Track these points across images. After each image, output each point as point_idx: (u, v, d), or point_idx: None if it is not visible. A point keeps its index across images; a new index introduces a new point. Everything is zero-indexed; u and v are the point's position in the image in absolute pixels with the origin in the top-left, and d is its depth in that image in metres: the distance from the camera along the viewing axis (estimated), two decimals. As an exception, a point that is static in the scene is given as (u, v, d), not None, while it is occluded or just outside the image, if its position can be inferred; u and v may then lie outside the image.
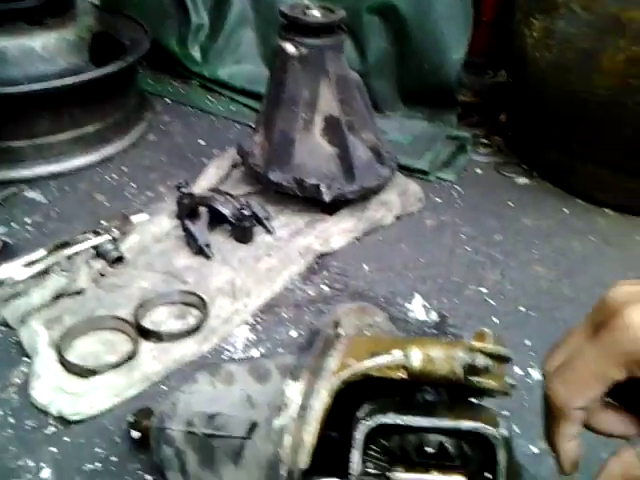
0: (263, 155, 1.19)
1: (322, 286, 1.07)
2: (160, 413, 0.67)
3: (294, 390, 0.46)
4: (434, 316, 1.02)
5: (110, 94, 1.38)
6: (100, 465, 0.74)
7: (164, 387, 0.85)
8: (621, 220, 1.31)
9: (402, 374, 0.50)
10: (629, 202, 1.30)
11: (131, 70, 1.43)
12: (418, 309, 1.03)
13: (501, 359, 0.53)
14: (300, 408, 0.46)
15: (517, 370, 0.92)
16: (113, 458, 0.75)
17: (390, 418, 0.51)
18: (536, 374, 0.91)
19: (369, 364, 0.50)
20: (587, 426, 0.48)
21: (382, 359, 0.50)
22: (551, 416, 0.47)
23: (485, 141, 1.54)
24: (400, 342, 0.51)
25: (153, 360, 0.87)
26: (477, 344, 0.50)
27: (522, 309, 1.05)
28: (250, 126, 1.39)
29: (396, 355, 0.50)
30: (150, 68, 1.68)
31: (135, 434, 0.72)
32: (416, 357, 0.49)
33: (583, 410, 0.45)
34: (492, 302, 1.06)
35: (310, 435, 0.46)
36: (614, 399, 0.47)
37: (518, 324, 1.02)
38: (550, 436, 0.48)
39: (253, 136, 1.25)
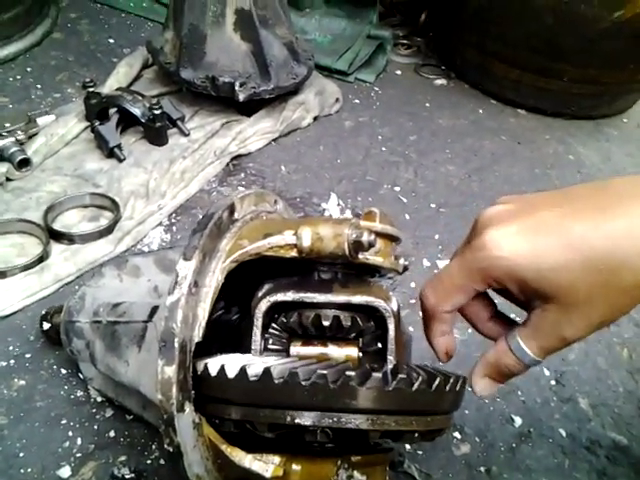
0: (174, 52, 1.15)
1: (239, 188, 1.08)
2: (69, 307, 0.68)
3: (186, 269, 0.47)
4: (349, 214, 1.05)
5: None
6: (14, 362, 0.75)
7: (77, 287, 0.85)
8: (532, 120, 1.35)
9: (294, 253, 0.52)
10: (540, 102, 1.34)
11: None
12: (333, 208, 1.06)
13: (390, 238, 0.56)
14: (192, 285, 0.47)
15: (426, 262, 0.97)
16: (27, 355, 0.76)
17: (288, 295, 0.53)
18: (443, 265, 0.96)
19: (261, 244, 0.51)
20: (468, 321, 0.54)
21: (274, 239, 0.51)
22: (425, 317, 0.53)
23: (405, 42, 1.53)
24: (292, 223, 0.52)
25: (65, 261, 0.86)
26: (364, 222, 0.52)
27: (433, 206, 1.09)
28: (162, 24, 1.33)
29: (287, 235, 0.51)
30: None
31: (46, 325, 0.72)
32: (306, 235, 0.51)
33: (450, 313, 0.51)
34: (405, 200, 1.09)
35: (203, 311, 0.48)
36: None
37: (429, 220, 1.06)
38: (427, 333, 0.54)
39: (164, 32, 1.19)
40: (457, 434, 0.72)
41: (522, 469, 0.70)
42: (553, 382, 0.81)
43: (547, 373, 0.82)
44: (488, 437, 0.73)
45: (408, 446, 0.69)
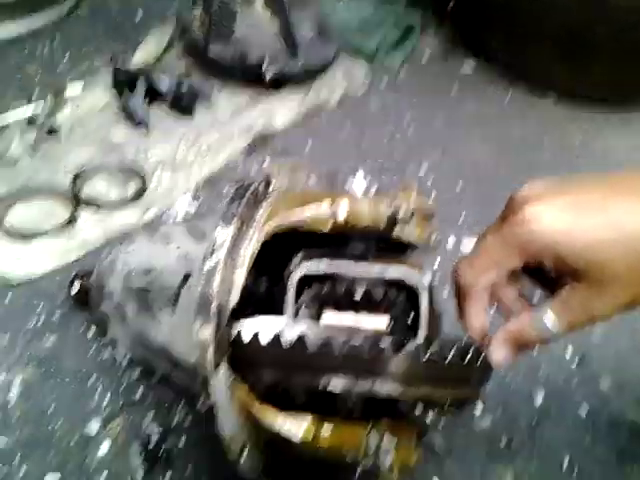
0: (203, 28, 1.15)
1: (264, 163, 1.08)
2: (99, 271, 0.69)
3: (224, 234, 0.48)
4: (374, 192, 1.05)
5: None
6: (42, 323, 0.76)
7: (105, 254, 0.86)
8: (560, 108, 1.34)
9: (329, 225, 0.52)
10: (569, 91, 1.32)
11: None
12: (359, 186, 1.06)
13: (425, 214, 0.56)
14: (229, 251, 0.48)
15: (451, 239, 0.98)
16: (56, 317, 0.77)
17: (321, 266, 0.54)
18: (468, 243, 0.96)
19: (297, 215, 0.52)
20: (498, 305, 0.53)
21: (310, 210, 0.52)
22: (459, 295, 0.52)
23: (433, 27, 1.51)
24: (329, 195, 0.53)
25: (92, 227, 0.87)
26: (400, 198, 0.53)
27: (458, 187, 1.08)
28: (191, -1, 1.32)
29: (323, 207, 0.52)
30: None
31: (75, 288, 0.73)
32: (342, 209, 0.51)
33: (485, 290, 0.50)
34: (430, 181, 1.09)
35: (240, 276, 0.49)
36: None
37: (454, 201, 1.05)
38: (460, 312, 0.53)
39: (193, 8, 1.19)
40: (478, 409, 0.73)
41: (542, 445, 0.71)
42: (576, 361, 0.81)
43: (570, 353, 0.82)
44: (509, 413, 0.73)
45: (429, 419, 0.69)
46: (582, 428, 0.73)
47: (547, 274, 0.48)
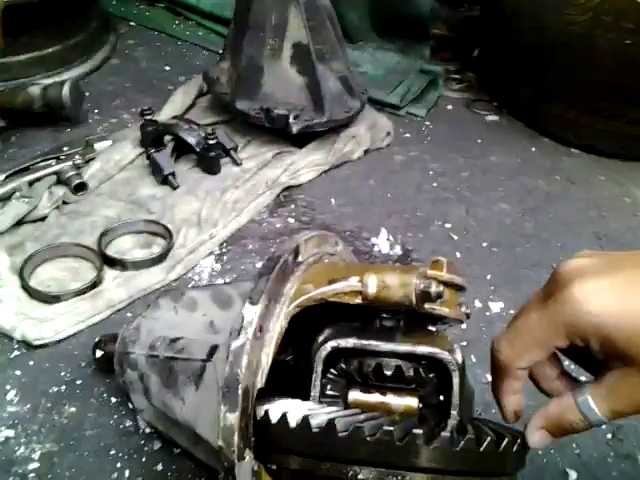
0: (230, 83, 1.17)
1: (289, 219, 1.08)
2: (123, 338, 0.68)
3: (252, 313, 0.47)
4: (398, 250, 1.04)
5: (70, 14, 1.32)
6: (65, 388, 0.75)
7: (129, 315, 0.86)
8: (587, 160, 1.32)
9: (358, 300, 0.51)
10: (596, 143, 1.31)
11: (92, -11, 1.36)
12: (383, 243, 1.05)
13: (455, 287, 0.54)
14: (257, 330, 0.47)
15: (477, 303, 0.95)
16: (78, 381, 0.76)
17: (350, 342, 0.52)
18: (495, 307, 0.93)
19: (326, 290, 0.51)
20: (535, 382, 0.51)
21: (339, 285, 0.51)
22: (496, 372, 0.50)
23: (457, 77, 1.52)
24: (357, 269, 0.52)
25: (118, 288, 0.87)
26: (431, 272, 0.51)
27: (485, 245, 1.07)
28: (218, 52, 1.35)
29: (352, 281, 0.51)
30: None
31: (99, 353, 0.72)
32: (372, 283, 0.50)
33: (525, 370, 0.48)
34: (456, 237, 1.08)
35: (267, 356, 0.48)
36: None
37: (480, 259, 1.04)
38: (495, 390, 0.51)
39: (220, 63, 1.21)
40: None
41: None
42: (610, 436, 0.77)
43: (603, 426, 0.78)
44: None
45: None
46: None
47: (592, 355, 0.46)
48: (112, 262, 0.90)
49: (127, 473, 0.66)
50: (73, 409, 0.72)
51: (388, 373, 0.52)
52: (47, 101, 1.16)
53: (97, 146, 1.12)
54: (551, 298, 0.45)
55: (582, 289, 0.43)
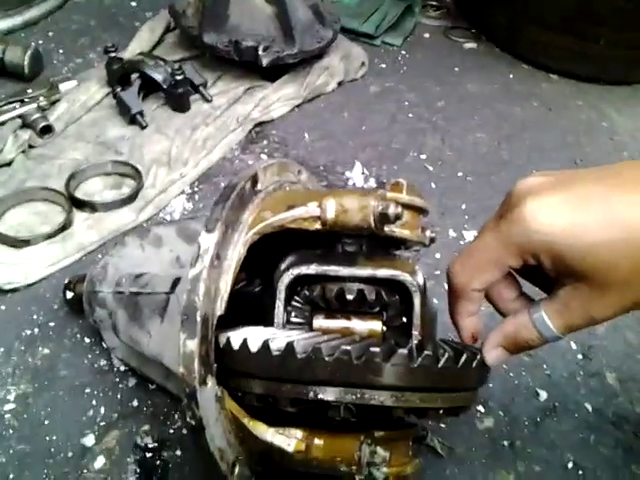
0: (197, 16, 1.12)
1: (262, 155, 1.06)
2: (91, 277, 0.68)
3: (208, 241, 0.46)
4: (373, 183, 1.03)
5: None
6: (38, 330, 0.75)
7: (100, 257, 0.85)
8: (565, 86, 1.30)
9: (318, 225, 0.50)
10: (574, 67, 1.29)
11: None
12: (357, 177, 1.03)
13: (418, 210, 0.54)
14: (214, 258, 0.46)
15: (452, 233, 0.95)
16: (51, 323, 0.76)
17: (312, 268, 0.52)
18: (469, 236, 0.93)
19: (284, 216, 0.50)
20: (489, 300, 0.51)
21: (297, 211, 0.50)
22: (452, 295, 0.50)
23: (434, 3, 1.48)
24: (316, 194, 0.51)
25: (88, 230, 0.86)
26: (390, 194, 0.50)
27: (460, 175, 1.06)
28: (185, -14, 1.29)
29: (311, 207, 0.50)
30: None
31: (69, 294, 0.72)
32: (330, 207, 0.49)
33: (480, 291, 0.48)
34: (431, 168, 1.07)
35: (225, 284, 0.47)
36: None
37: (455, 189, 1.03)
38: (452, 313, 0.51)
39: (186, -5, 1.17)
40: (481, 408, 0.71)
41: (546, 444, 0.69)
42: (580, 356, 0.79)
43: (574, 347, 0.80)
44: (512, 411, 0.72)
45: (427, 424, 0.68)
46: (587, 427, 0.71)
47: (545, 273, 0.46)
48: (81, 204, 0.89)
49: (102, 410, 0.67)
50: (47, 351, 0.72)
51: (350, 297, 0.52)
52: (5, 65, 1.12)
53: (62, 87, 1.09)
54: (503, 218, 0.45)
55: (532, 207, 0.43)
